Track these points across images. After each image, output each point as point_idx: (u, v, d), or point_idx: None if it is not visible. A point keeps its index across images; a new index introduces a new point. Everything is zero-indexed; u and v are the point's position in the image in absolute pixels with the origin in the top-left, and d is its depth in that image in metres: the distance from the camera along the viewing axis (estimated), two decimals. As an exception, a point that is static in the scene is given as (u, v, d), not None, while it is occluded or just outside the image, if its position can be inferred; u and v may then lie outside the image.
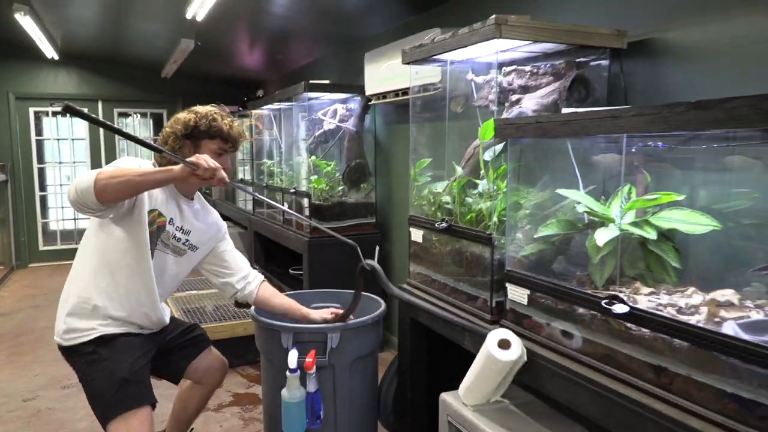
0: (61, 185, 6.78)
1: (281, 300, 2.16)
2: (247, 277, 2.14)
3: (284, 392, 2.00)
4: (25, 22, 4.47)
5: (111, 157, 6.63)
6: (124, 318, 1.90)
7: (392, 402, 2.40)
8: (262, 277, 2.19)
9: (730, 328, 1.18)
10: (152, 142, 1.91)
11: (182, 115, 1.93)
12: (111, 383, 1.79)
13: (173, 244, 1.97)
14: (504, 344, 1.57)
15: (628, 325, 1.33)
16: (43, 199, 6.76)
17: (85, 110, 1.64)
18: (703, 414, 1.15)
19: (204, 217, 2.08)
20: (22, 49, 5.93)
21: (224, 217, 6.51)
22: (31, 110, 6.51)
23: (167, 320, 2.08)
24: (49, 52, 5.77)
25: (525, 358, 1.56)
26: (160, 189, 1.90)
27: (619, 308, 1.33)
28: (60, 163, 6.78)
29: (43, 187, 6.73)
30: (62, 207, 6.90)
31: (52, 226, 6.89)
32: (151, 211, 1.88)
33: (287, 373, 1.98)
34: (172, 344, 2.13)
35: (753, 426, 1.07)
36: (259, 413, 2.82)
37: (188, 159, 1.71)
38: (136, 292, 1.90)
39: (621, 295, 1.38)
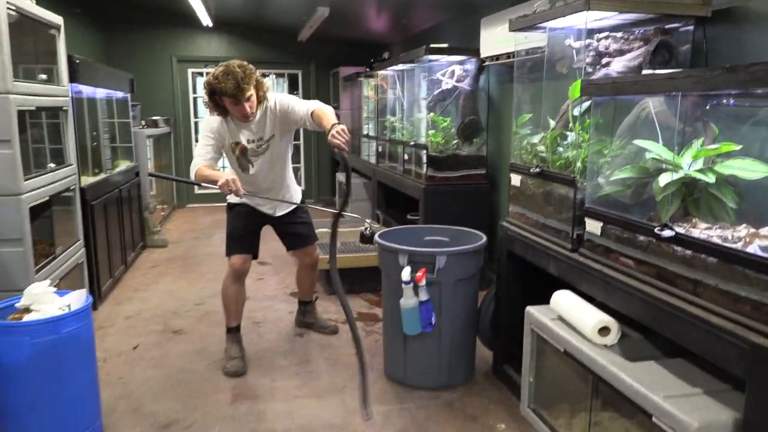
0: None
1: (320, 117, 2.65)
2: (307, 111, 2.74)
3: (401, 300, 2.51)
4: (191, -5, 5.24)
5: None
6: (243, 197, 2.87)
7: (490, 322, 2.84)
8: (314, 106, 2.73)
9: (752, 248, 1.48)
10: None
11: (204, 83, 2.75)
12: (227, 235, 2.98)
13: (260, 150, 2.87)
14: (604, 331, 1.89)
15: (675, 247, 1.66)
16: (198, 150, 7.79)
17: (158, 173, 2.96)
18: (724, 313, 1.47)
19: (263, 118, 2.82)
20: (183, 18, 6.83)
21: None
22: (189, 71, 7.49)
23: (278, 213, 3.04)
24: (206, 20, 6.60)
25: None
26: (233, 127, 2.80)
27: (667, 233, 1.65)
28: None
29: (197, 139, 7.75)
30: (212, 157, 7.89)
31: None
32: (232, 144, 2.84)
33: (402, 285, 2.48)
34: (286, 230, 3.13)
35: (757, 320, 1.38)
36: (378, 328, 3.38)
37: (220, 183, 2.59)
38: (248, 184, 2.86)
39: (679, 228, 1.69)
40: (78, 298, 2.17)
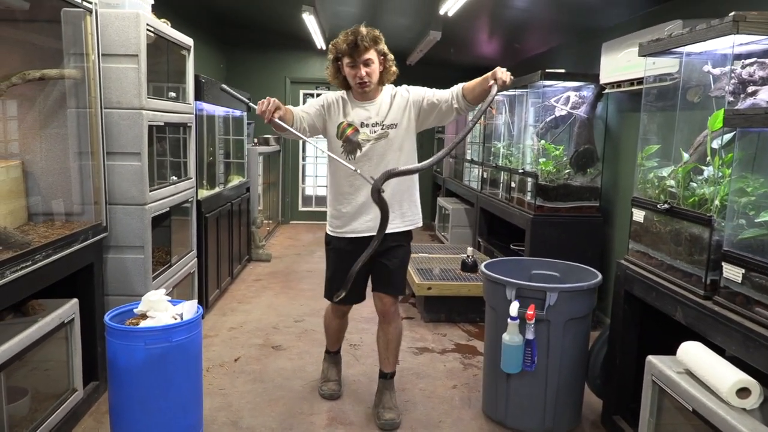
0: (316, 157, 7.97)
1: (473, 84, 2.43)
2: (452, 92, 2.51)
3: (505, 336, 2.38)
4: (309, 19, 5.42)
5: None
6: (342, 214, 2.54)
7: (600, 367, 2.63)
8: (461, 83, 2.49)
9: None
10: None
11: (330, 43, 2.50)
12: (327, 278, 2.67)
13: (373, 136, 2.49)
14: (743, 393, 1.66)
15: (840, 304, 1.43)
16: (304, 168, 8.04)
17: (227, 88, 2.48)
18: None
19: (388, 102, 2.54)
20: (297, 41, 7.10)
21: (451, 194, 7.00)
22: (301, 92, 7.77)
23: (367, 233, 2.46)
24: (319, 42, 6.83)
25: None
26: (347, 103, 2.53)
27: (830, 287, 1.43)
28: (318, 137, 7.95)
29: (303, 158, 8.00)
30: (316, 176, 8.11)
31: (308, 191, 8.16)
32: (339, 124, 2.51)
33: (509, 320, 2.36)
34: (380, 255, 2.48)
35: None
36: (476, 361, 3.25)
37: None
38: (350, 180, 2.49)
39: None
40: (189, 309, 2.23)
